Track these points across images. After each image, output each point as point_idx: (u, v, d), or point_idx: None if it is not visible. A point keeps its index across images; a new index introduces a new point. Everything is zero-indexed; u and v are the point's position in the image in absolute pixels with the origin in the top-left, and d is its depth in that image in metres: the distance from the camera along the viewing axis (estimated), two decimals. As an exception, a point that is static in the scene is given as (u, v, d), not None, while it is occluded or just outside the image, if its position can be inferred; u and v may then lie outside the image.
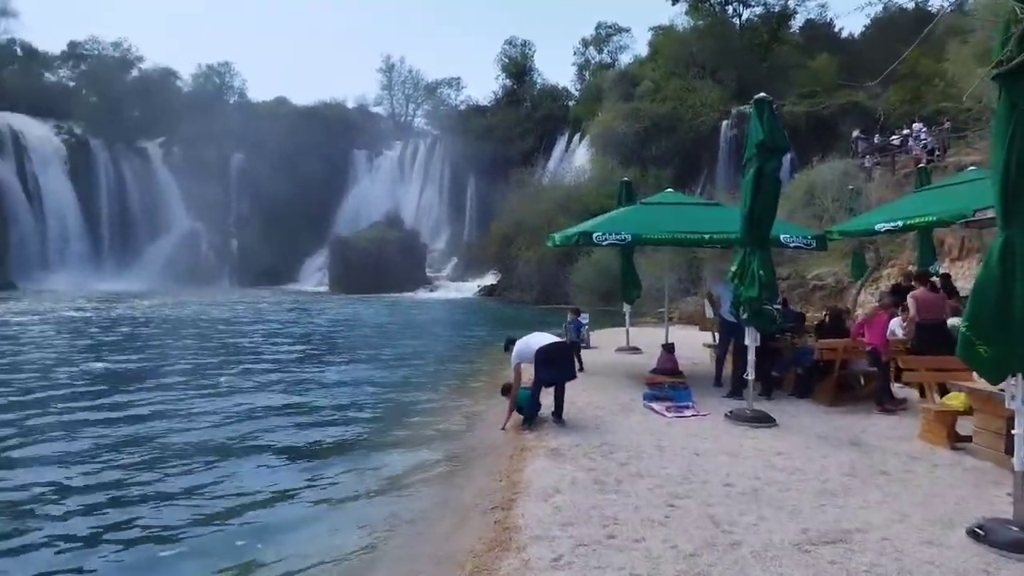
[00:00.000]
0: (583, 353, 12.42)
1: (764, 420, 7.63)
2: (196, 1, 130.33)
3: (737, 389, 8.98)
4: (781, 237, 8.94)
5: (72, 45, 66.21)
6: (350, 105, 73.23)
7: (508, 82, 67.28)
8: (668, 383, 9.45)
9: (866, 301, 16.81)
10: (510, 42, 67.65)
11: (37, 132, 55.87)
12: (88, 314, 27.49)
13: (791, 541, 4.40)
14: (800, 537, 4.46)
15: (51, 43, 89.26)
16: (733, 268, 7.71)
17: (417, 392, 11.13)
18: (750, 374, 7.73)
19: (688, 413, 8.28)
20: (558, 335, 8.47)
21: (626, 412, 8.46)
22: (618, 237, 9.30)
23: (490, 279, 49.72)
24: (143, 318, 26.09)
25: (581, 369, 11.38)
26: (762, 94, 7.41)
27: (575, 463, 6.26)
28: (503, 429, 7.86)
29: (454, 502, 6.06)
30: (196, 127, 59.96)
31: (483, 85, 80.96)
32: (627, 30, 66.62)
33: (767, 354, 8.82)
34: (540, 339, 7.86)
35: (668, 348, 10.59)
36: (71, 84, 65.42)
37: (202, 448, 7.71)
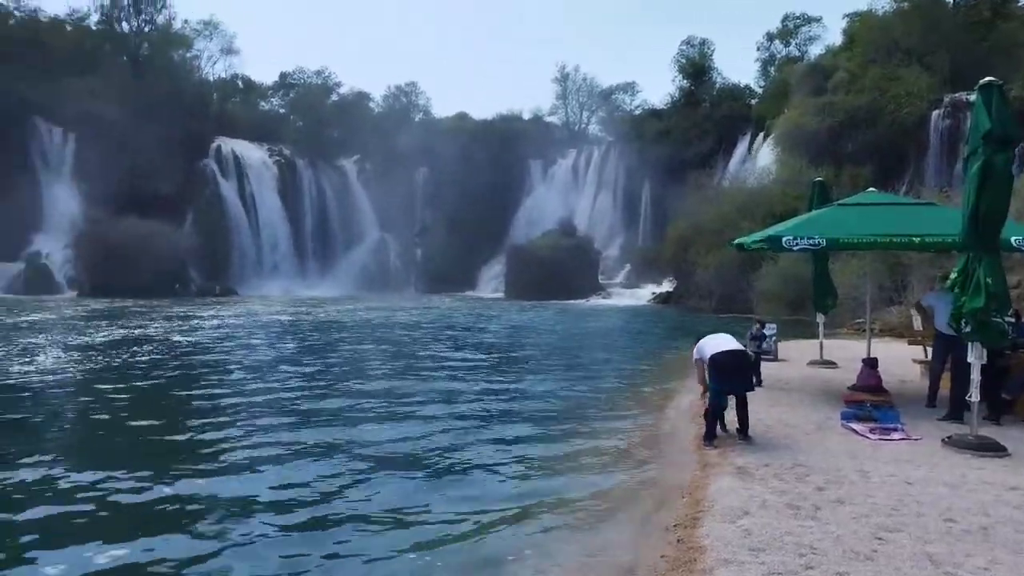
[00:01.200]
0: (766, 366, 11.75)
1: (992, 448, 6.70)
2: (387, 28, 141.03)
3: (956, 412, 7.99)
4: (1012, 240, 7.82)
5: (282, 76, 74.43)
6: (526, 116, 75.27)
7: (685, 83, 65.47)
8: (871, 401, 8.64)
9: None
10: (687, 42, 65.85)
11: (255, 155, 63.32)
12: (291, 318, 30.54)
13: (1034, 593, 3.81)
14: (1046, 589, 3.85)
15: (265, 74, 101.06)
16: (953, 275, 6.86)
17: (594, 403, 11.07)
18: (974, 395, 6.83)
19: (896, 436, 7.49)
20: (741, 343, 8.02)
21: (821, 432, 7.83)
22: (811, 241, 8.64)
23: (665, 286, 48.67)
24: (338, 322, 28.51)
25: (759, 383, 10.78)
26: (989, 78, 6.54)
27: (764, 484, 5.88)
28: (702, 397, 7.85)
29: (632, 516, 5.94)
30: (386, 144, 64.79)
31: (659, 88, 79.83)
32: (817, 20, 62.38)
33: (995, 373, 7.75)
34: (717, 343, 7.54)
35: (870, 363, 9.67)
36: (281, 111, 73.48)
37: (387, 458, 7.94)
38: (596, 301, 49.89)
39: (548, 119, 77.92)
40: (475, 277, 64.19)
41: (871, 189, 11.09)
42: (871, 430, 7.66)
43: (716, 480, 6.08)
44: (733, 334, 7.83)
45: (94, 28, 62.74)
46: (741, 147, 56.51)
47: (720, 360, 7.41)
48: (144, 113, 53.31)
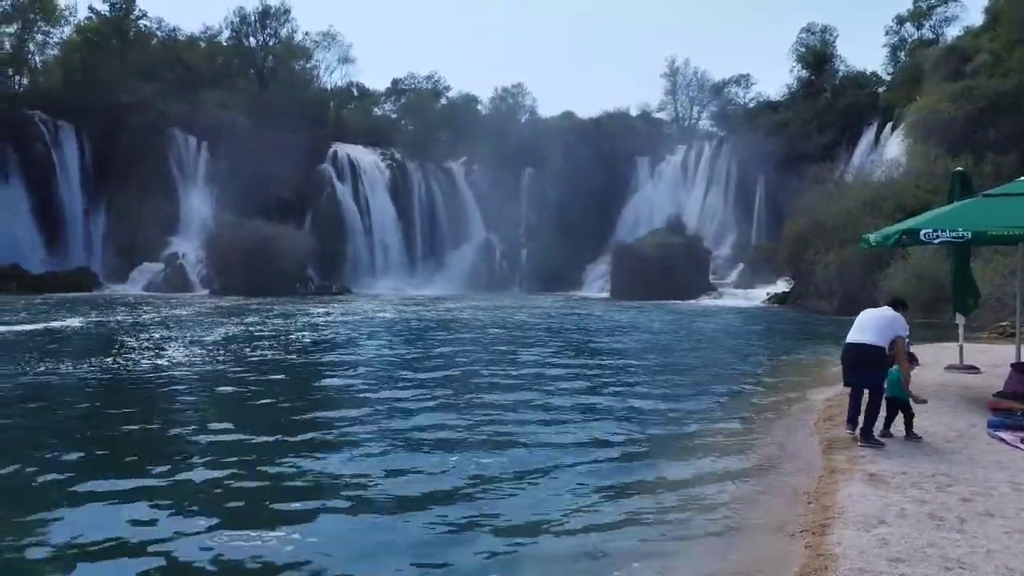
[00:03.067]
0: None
1: None
2: (494, 29, 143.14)
3: None
4: None
5: (394, 82, 77.02)
6: (633, 113, 74.05)
7: (804, 73, 62.37)
8: (1022, 410, 7.91)
9: None
10: (808, 30, 62.68)
11: (368, 159, 65.93)
12: (402, 316, 31.55)
13: None
14: None
15: (379, 81, 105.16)
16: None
17: (712, 408, 10.75)
18: None
19: (1053, 448, 6.82)
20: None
21: (964, 440, 7.27)
22: (954, 235, 8.00)
23: (781, 286, 46.52)
24: (445, 320, 29.18)
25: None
26: None
27: (902, 493, 5.53)
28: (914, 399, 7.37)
29: (755, 520, 5.76)
30: (492, 145, 65.64)
31: (776, 79, 76.67)
32: (956, -1, 57.66)
33: None
34: (852, 330, 7.31)
35: (1021, 368, 8.84)
36: (393, 116, 76.14)
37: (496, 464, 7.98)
38: (706, 301, 48.41)
39: (656, 115, 76.37)
40: (580, 276, 63.88)
41: (1023, 178, 10.13)
42: (1023, 440, 7.03)
43: (846, 486, 5.80)
44: None
45: (225, 44, 67.47)
46: (866, 138, 53.19)
47: (843, 350, 7.32)
48: (269, 122, 56.76)
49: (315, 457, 7.69)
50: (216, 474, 7.02)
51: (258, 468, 7.25)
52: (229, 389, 12.05)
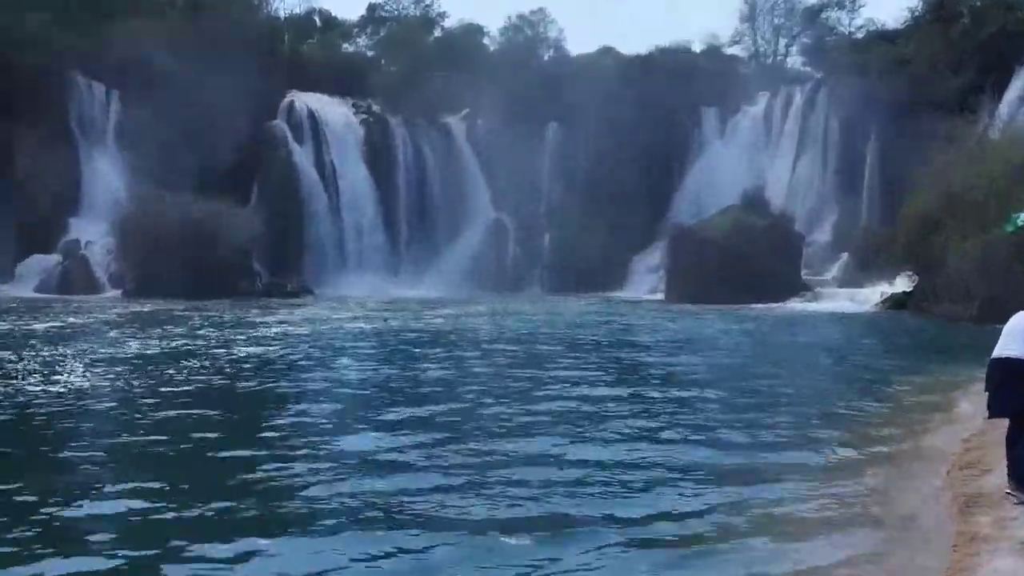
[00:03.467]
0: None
1: None
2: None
3: None
4: None
5: (371, 8, 77.52)
6: (696, 48, 74.13)
7: (932, -9, 62.23)
8: None
9: None
10: (938, -69, 62.46)
11: (336, 112, 66.14)
12: (376, 326, 31.63)
13: None
14: None
15: (350, 7, 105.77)
16: None
17: (811, 453, 10.79)
18: None
19: None
20: None
21: None
22: None
23: (901, 284, 46.50)
24: (439, 332, 29.20)
25: None
26: None
27: (1069, 570, 5.49)
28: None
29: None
30: (504, 93, 65.43)
31: (892, 1, 75.98)
32: None
33: None
34: (998, 343, 7.39)
35: None
36: (370, 53, 76.53)
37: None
38: (798, 305, 48.40)
39: (729, 51, 76.57)
40: (624, 272, 63.97)
41: None
42: None
43: (990, 559, 5.89)
44: None
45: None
46: (1019, 81, 53.09)
47: (986, 371, 7.47)
48: (201, 62, 56.69)
49: (256, 537, 7.35)
50: (117, 563, 6.74)
51: (178, 554, 6.96)
52: (141, 432, 11.93)
